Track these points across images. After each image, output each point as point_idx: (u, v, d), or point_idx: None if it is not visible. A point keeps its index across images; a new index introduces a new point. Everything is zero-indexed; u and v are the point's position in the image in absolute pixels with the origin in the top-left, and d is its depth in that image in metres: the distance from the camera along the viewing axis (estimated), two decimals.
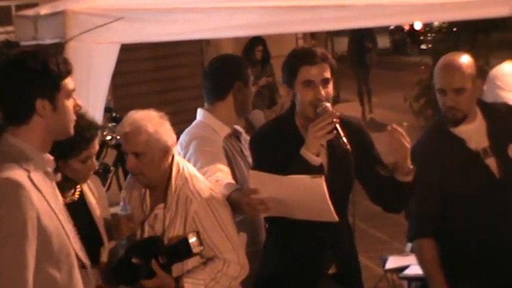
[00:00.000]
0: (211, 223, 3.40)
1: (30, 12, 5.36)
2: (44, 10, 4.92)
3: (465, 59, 3.77)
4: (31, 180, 2.59)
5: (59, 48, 4.33)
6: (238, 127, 4.08)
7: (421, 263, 3.92)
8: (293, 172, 3.31)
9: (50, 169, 2.72)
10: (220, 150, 3.82)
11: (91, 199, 3.50)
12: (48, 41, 4.70)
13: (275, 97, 10.44)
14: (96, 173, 3.67)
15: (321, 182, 3.22)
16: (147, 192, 3.55)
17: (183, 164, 3.52)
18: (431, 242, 3.81)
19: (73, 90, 2.73)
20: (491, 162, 3.75)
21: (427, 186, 3.73)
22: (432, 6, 5.19)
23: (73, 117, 2.74)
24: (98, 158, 3.43)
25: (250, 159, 4.00)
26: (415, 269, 4.49)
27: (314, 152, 3.40)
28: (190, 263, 3.41)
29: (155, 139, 3.40)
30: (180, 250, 3.33)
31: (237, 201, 3.44)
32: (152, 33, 4.60)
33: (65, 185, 3.40)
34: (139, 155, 3.43)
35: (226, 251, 3.41)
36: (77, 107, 2.75)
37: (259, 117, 9.22)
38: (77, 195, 3.48)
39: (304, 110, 3.53)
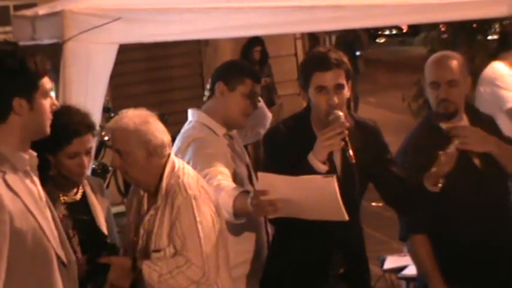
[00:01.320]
0: (188, 220, 3.30)
1: (28, 12, 5.35)
2: (42, 10, 4.92)
3: (456, 55, 3.87)
4: (5, 181, 2.58)
5: (57, 48, 4.33)
6: None
7: (417, 260, 3.94)
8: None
9: (29, 167, 2.71)
10: (220, 151, 3.79)
11: (93, 201, 3.50)
12: (46, 41, 4.70)
13: (273, 97, 10.43)
14: (94, 173, 3.67)
15: (332, 181, 3.22)
16: (145, 196, 3.50)
17: (179, 164, 3.45)
18: (425, 239, 3.83)
19: (50, 89, 2.73)
20: (476, 159, 3.80)
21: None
22: (430, 6, 5.19)
23: (49, 116, 2.73)
24: (96, 158, 3.44)
25: (244, 156, 4.00)
26: (413, 269, 4.49)
27: (321, 160, 3.41)
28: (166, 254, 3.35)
29: (135, 136, 3.34)
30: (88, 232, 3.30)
31: (244, 204, 3.39)
32: (150, 34, 4.60)
33: (62, 183, 3.40)
34: (122, 154, 3.38)
35: (193, 251, 3.29)
36: (53, 106, 2.74)
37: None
38: (79, 196, 3.48)
39: (318, 115, 3.56)
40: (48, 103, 2.72)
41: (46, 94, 2.71)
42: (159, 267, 3.28)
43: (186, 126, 3.93)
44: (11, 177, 2.61)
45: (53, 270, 2.68)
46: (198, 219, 3.31)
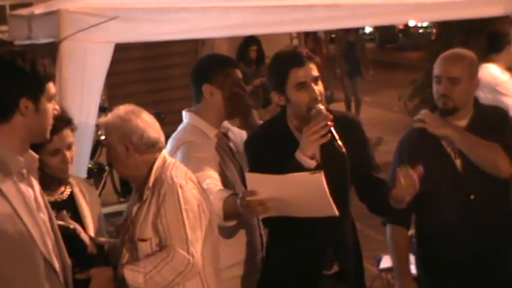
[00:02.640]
0: (173, 207, 3.27)
1: (24, 11, 5.34)
2: (38, 9, 4.91)
3: (468, 54, 3.86)
4: None
5: (53, 47, 4.32)
6: (225, 123, 4.04)
7: (392, 248, 4.00)
8: None
9: (25, 170, 2.71)
10: (210, 155, 3.78)
11: (81, 201, 3.48)
12: (43, 41, 4.70)
13: (270, 97, 10.39)
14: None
15: (320, 177, 3.22)
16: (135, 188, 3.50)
17: (171, 160, 3.45)
18: (404, 231, 3.92)
19: (54, 94, 2.76)
20: (458, 162, 3.82)
21: None
22: (426, 5, 5.20)
23: (51, 120, 2.76)
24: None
25: (239, 157, 4.00)
26: (411, 269, 4.50)
27: (309, 155, 3.41)
28: (145, 251, 3.29)
29: (115, 131, 3.38)
30: (69, 240, 3.03)
31: (234, 205, 3.40)
32: (146, 33, 4.59)
33: (48, 182, 3.36)
34: (107, 147, 3.43)
35: (178, 238, 3.23)
36: (55, 110, 2.79)
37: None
38: (65, 195, 3.47)
39: (299, 112, 3.54)
40: (51, 108, 2.75)
41: (50, 98, 2.74)
42: (142, 267, 3.20)
43: (178, 128, 3.95)
44: (1, 180, 2.61)
45: (41, 277, 2.67)
46: (183, 206, 3.28)
